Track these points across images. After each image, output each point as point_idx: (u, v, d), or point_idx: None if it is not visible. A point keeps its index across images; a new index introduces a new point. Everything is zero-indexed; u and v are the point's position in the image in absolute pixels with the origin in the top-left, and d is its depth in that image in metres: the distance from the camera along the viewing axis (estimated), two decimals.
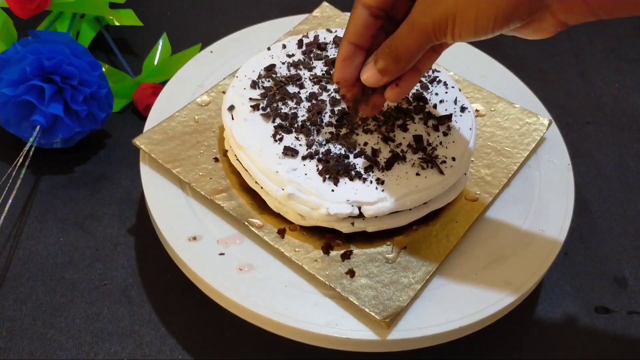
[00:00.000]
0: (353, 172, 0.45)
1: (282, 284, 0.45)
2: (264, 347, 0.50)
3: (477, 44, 0.65)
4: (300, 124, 0.48)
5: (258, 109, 0.49)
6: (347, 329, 0.44)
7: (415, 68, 0.42)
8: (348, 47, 0.42)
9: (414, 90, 0.51)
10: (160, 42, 0.68)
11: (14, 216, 0.56)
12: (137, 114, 0.66)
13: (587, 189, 0.64)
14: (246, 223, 0.48)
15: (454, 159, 0.48)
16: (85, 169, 0.60)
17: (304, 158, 0.46)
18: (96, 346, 0.49)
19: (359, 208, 0.45)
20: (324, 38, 0.55)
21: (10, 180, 0.55)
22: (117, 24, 0.68)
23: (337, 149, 0.47)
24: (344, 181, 0.45)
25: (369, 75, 0.42)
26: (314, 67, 0.52)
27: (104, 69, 0.64)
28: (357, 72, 0.43)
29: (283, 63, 0.52)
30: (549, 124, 0.56)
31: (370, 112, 0.45)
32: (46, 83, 0.56)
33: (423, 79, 0.52)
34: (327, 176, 0.45)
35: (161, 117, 0.54)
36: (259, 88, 0.50)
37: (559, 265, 0.57)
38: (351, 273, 0.45)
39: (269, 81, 0.51)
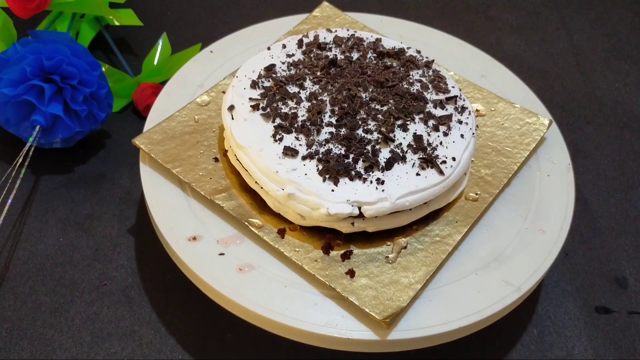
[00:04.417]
0: (353, 172, 0.45)
1: (282, 284, 0.45)
2: (264, 347, 0.50)
3: (477, 44, 0.65)
4: (300, 124, 0.48)
5: (258, 109, 0.49)
6: (347, 329, 0.44)
7: None
8: None
9: (414, 90, 0.51)
10: (160, 41, 0.68)
11: (13, 216, 0.56)
12: (137, 114, 0.66)
13: (587, 189, 0.64)
14: (246, 223, 0.47)
15: (454, 159, 0.48)
16: (85, 168, 0.60)
17: (304, 158, 0.46)
18: (96, 346, 0.49)
19: (359, 208, 0.45)
20: (324, 38, 0.55)
21: (10, 180, 0.56)
22: (117, 23, 0.68)
23: (337, 148, 0.47)
24: (344, 181, 0.45)
25: None
26: (314, 67, 0.52)
27: (103, 69, 0.64)
28: None
29: (283, 63, 0.52)
30: (549, 124, 0.56)
31: None
32: (46, 83, 0.56)
33: (423, 79, 0.52)
34: (327, 176, 0.45)
35: (161, 117, 0.54)
36: (259, 88, 0.50)
37: (559, 265, 0.57)
38: (351, 273, 0.45)
39: (269, 81, 0.51)
